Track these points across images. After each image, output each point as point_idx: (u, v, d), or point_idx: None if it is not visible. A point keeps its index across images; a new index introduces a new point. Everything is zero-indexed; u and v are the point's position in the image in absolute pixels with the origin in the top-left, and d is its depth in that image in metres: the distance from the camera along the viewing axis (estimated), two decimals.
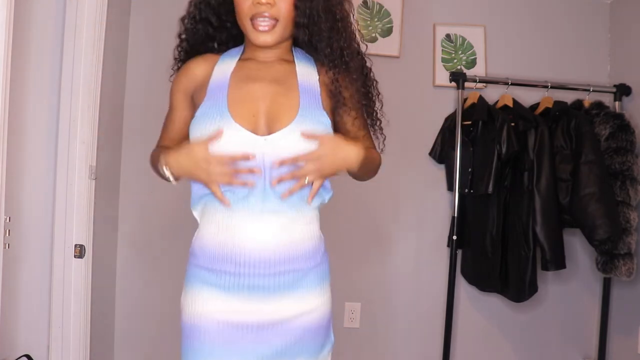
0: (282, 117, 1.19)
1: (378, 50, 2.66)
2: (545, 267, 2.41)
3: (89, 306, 2.05)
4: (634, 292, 2.56)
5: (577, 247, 2.74)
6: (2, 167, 1.53)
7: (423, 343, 2.71)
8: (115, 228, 2.49)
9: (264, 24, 1.21)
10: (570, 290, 2.76)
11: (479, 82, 2.60)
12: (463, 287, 2.71)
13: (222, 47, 1.35)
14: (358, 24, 1.35)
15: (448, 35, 2.71)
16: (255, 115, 1.20)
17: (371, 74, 1.35)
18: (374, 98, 1.35)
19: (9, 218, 1.67)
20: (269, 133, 1.19)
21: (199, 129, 1.20)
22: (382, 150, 1.42)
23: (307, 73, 1.27)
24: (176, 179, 1.20)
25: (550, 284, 2.74)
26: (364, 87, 1.33)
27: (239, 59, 1.29)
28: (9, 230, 1.66)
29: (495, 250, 2.50)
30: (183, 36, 1.35)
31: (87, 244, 2.01)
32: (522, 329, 2.76)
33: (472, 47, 2.71)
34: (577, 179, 2.40)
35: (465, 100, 2.59)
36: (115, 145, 2.46)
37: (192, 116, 1.24)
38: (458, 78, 2.58)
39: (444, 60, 2.70)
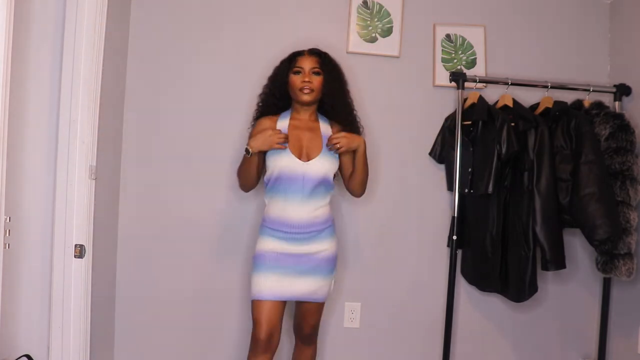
0: (314, 151, 2.19)
1: (378, 50, 2.66)
2: (545, 267, 2.42)
3: (89, 306, 2.06)
4: (634, 292, 2.57)
5: (577, 247, 2.74)
6: (2, 167, 1.53)
7: (423, 343, 2.71)
8: (115, 228, 2.49)
9: (306, 91, 2.21)
10: (570, 290, 2.77)
11: (479, 82, 2.61)
12: (463, 287, 2.71)
13: (278, 111, 2.30)
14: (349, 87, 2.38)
15: (448, 35, 2.71)
16: (300, 149, 2.18)
17: (359, 125, 2.33)
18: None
19: (9, 218, 1.68)
20: (308, 160, 2.16)
21: (272, 157, 2.16)
22: None
23: (325, 128, 2.27)
24: (250, 153, 2.12)
25: (550, 284, 2.75)
26: (356, 133, 2.29)
27: (290, 117, 2.27)
28: (9, 230, 1.66)
29: (495, 250, 2.50)
30: (260, 103, 2.35)
31: (87, 244, 2.01)
32: (522, 329, 2.76)
33: (472, 47, 2.71)
34: (577, 179, 2.40)
35: (465, 100, 2.59)
36: (115, 145, 2.46)
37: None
38: (458, 78, 2.59)
39: (444, 60, 2.70)
